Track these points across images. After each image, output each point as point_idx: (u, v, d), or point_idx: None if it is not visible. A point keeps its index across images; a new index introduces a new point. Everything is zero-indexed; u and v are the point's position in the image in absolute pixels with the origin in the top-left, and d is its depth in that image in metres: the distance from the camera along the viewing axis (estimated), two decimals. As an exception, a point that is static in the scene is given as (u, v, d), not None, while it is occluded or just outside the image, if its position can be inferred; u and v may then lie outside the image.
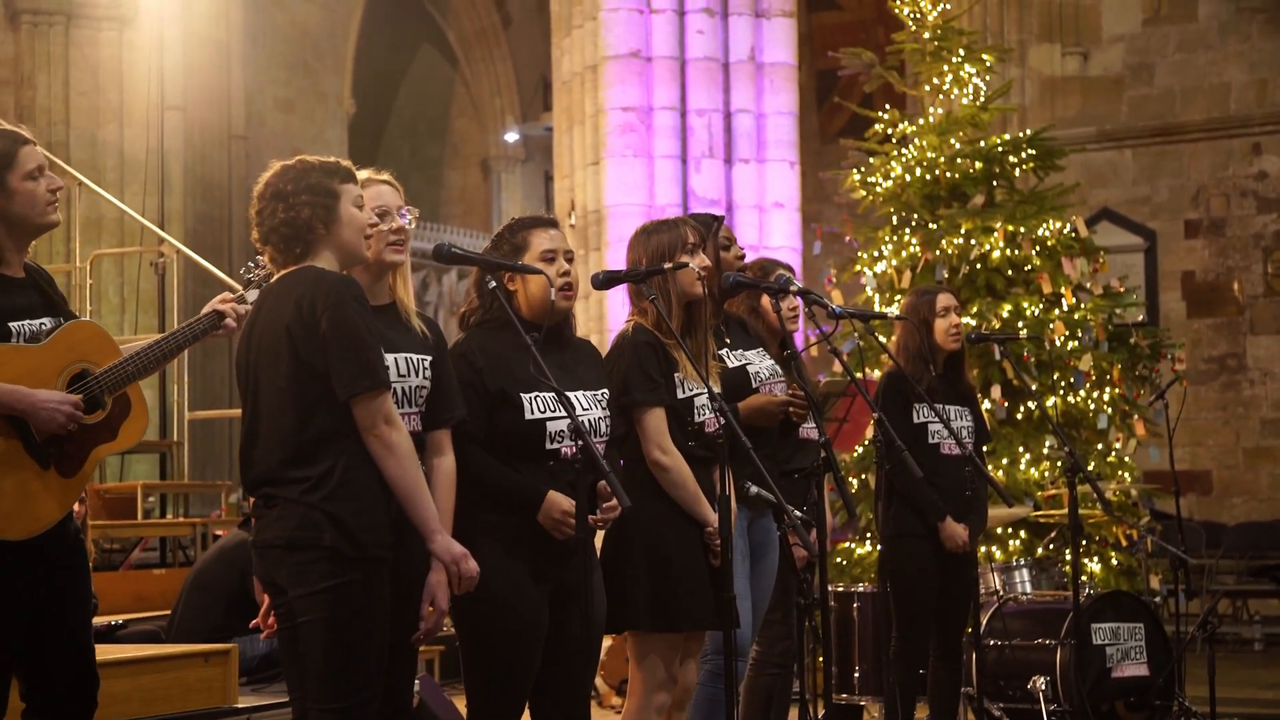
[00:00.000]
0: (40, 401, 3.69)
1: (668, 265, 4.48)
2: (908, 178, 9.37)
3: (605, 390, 4.29)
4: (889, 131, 9.65)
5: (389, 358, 3.83)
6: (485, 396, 4.08)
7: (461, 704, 6.80)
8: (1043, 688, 6.64)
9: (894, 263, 9.20)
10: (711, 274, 4.70)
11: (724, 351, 4.99)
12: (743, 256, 5.19)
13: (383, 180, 4.01)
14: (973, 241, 8.98)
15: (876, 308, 8.93)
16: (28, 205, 3.82)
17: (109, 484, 9.62)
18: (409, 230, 3.98)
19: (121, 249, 12.20)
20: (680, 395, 4.54)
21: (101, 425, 3.85)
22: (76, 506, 6.56)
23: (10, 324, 3.75)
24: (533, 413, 4.08)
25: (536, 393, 4.07)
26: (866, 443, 8.13)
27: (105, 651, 5.22)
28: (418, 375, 3.88)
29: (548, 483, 4.05)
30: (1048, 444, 8.70)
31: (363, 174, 3.95)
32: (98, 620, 6.68)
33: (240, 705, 5.34)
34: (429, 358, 3.92)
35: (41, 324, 3.81)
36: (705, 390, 4.46)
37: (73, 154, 12.31)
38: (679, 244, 4.56)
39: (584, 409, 4.17)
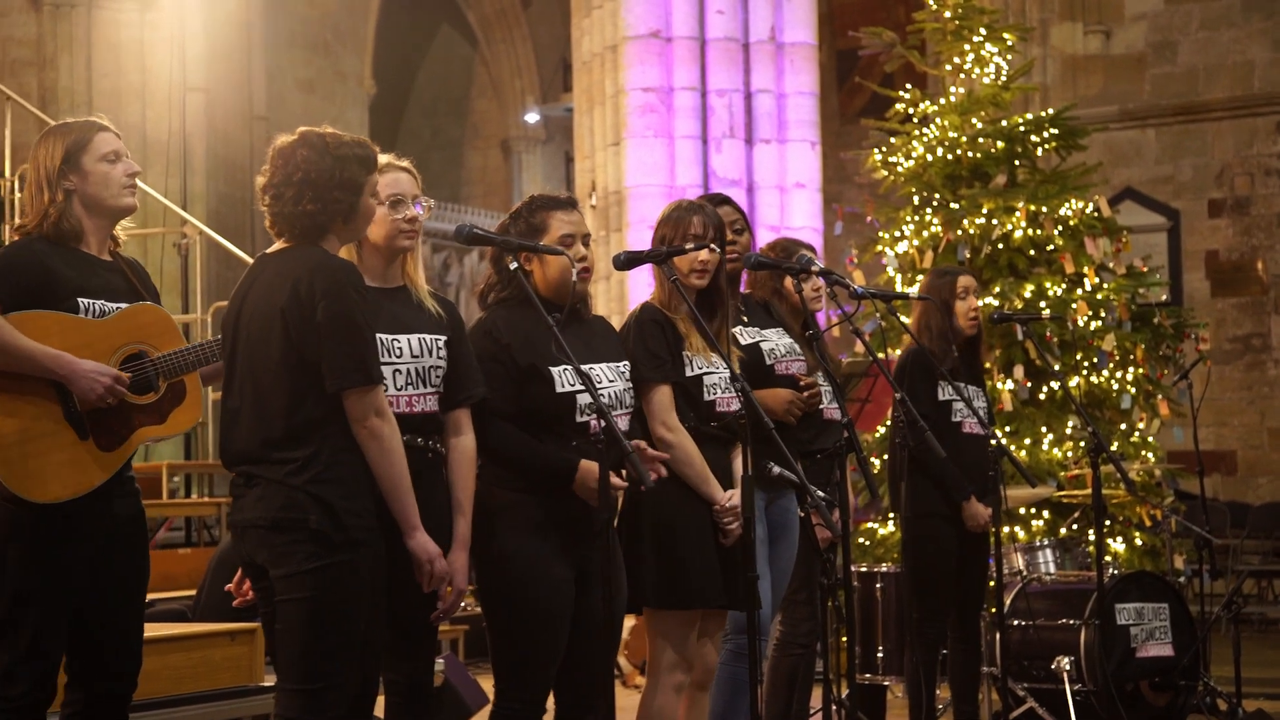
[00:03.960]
0: (81, 370, 3.73)
1: (689, 246, 4.48)
2: (929, 157, 9.34)
3: (625, 362, 4.31)
4: (910, 111, 9.62)
5: (403, 338, 3.83)
6: (515, 372, 4.09)
7: (486, 683, 6.83)
8: (1067, 668, 6.63)
9: (915, 243, 9.18)
10: (713, 264, 4.65)
11: (738, 329, 4.99)
12: (737, 254, 5.05)
13: (402, 167, 4.00)
14: (994, 221, 8.96)
15: (898, 288, 8.90)
16: (101, 186, 3.86)
17: (135, 464, 9.66)
18: (422, 219, 3.98)
19: (145, 230, 12.18)
20: (689, 373, 4.55)
21: (151, 408, 3.88)
22: None
23: (80, 299, 3.80)
24: (563, 386, 4.08)
25: (564, 366, 4.06)
26: (889, 423, 8.12)
27: (132, 631, 5.26)
28: (432, 355, 3.88)
29: (577, 456, 4.05)
30: (1070, 424, 8.68)
31: (383, 158, 3.92)
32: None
33: (266, 684, 5.35)
34: (444, 337, 3.92)
35: (119, 307, 3.86)
36: (716, 369, 4.48)
37: (95, 136, 12.33)
38: (685, 231, 4.56)
39: (609, 381, 4.18)
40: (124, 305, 3.87)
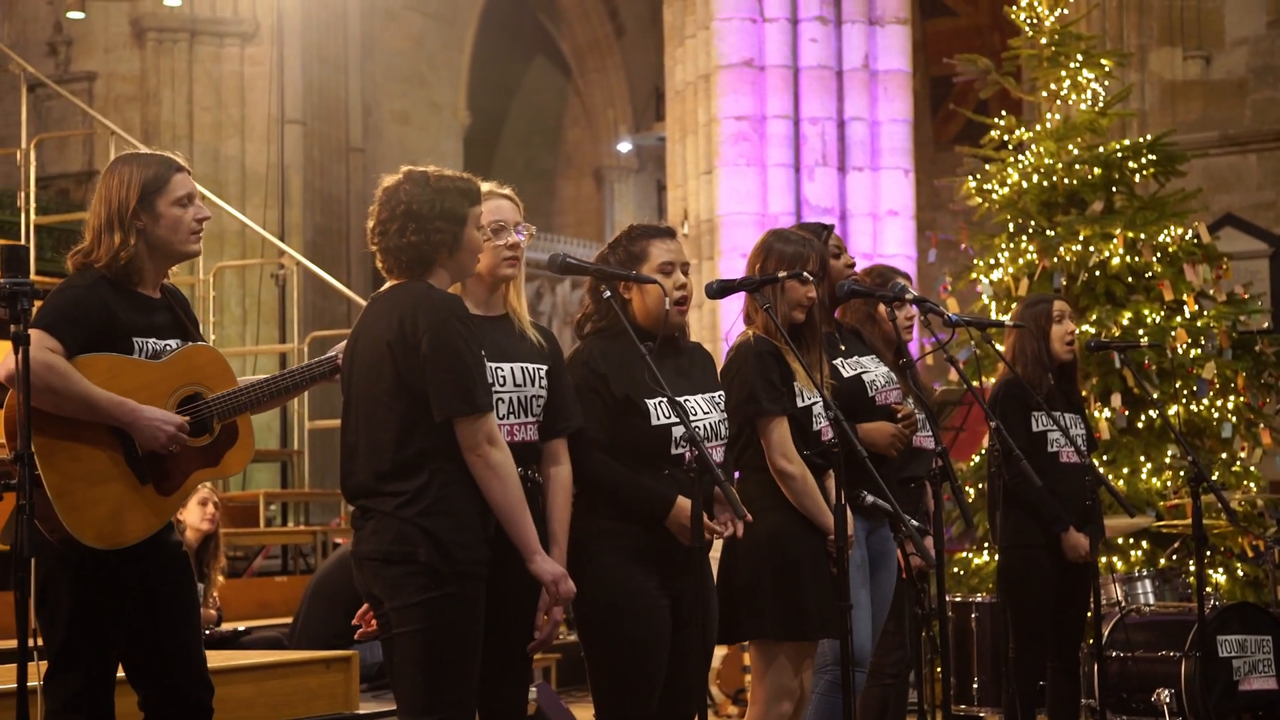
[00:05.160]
0: (146, 418, 3.72)
1: (782, 274, 4.47)
2: (1024, 184, 9.26)
3: (721, 393, 4.30)
4: (1005, 138, 9.55)
5: (505, 367, 3.85)
6: (611, 403, 4.09)
7: (579, 711, 6.84)
8: (1167, 700, 6.52)
9: (1010, 270, 9.11)
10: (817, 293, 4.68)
11: (838, 361, 4.97)
12: (852, 265, 5.17)
13: (503, 195, 4.02)
14: (1091, 248, 8.86)
15: (993, 316, 8.83)
16: (172, 231, 3.86)
17: (232, 493, 9.80)
18: (523, 246, 4.01)
19: (243, 261, 12.42)
20: (799, 404, 4.55)
21: (205, 450, 3.88)
22: (206, 521, 6.77)
23: (135, 339, 3.81)
24: (658, 418, 4.07)
25: (660, 398, 4.05)
26: (983, 452, 8.05)
27: (229, 657, 5.32)
28: (534, 384, 3.89)
29: (672, 488, 4.04)
30: (1170, 453, 8.56)
31: (485, 186, 3.96)
32: (223, 627, 6.82)
33: (361, 711, 5.40)
34: (545, 367, 3.93)
35: (167, 345, 3.86)
36: (820, 399, 4.46)
37: (196, 168, 12.36)
38: (799, 265, 4.57)
39: (704, 413, 4.17)
40: (173, 342, 3.86)
